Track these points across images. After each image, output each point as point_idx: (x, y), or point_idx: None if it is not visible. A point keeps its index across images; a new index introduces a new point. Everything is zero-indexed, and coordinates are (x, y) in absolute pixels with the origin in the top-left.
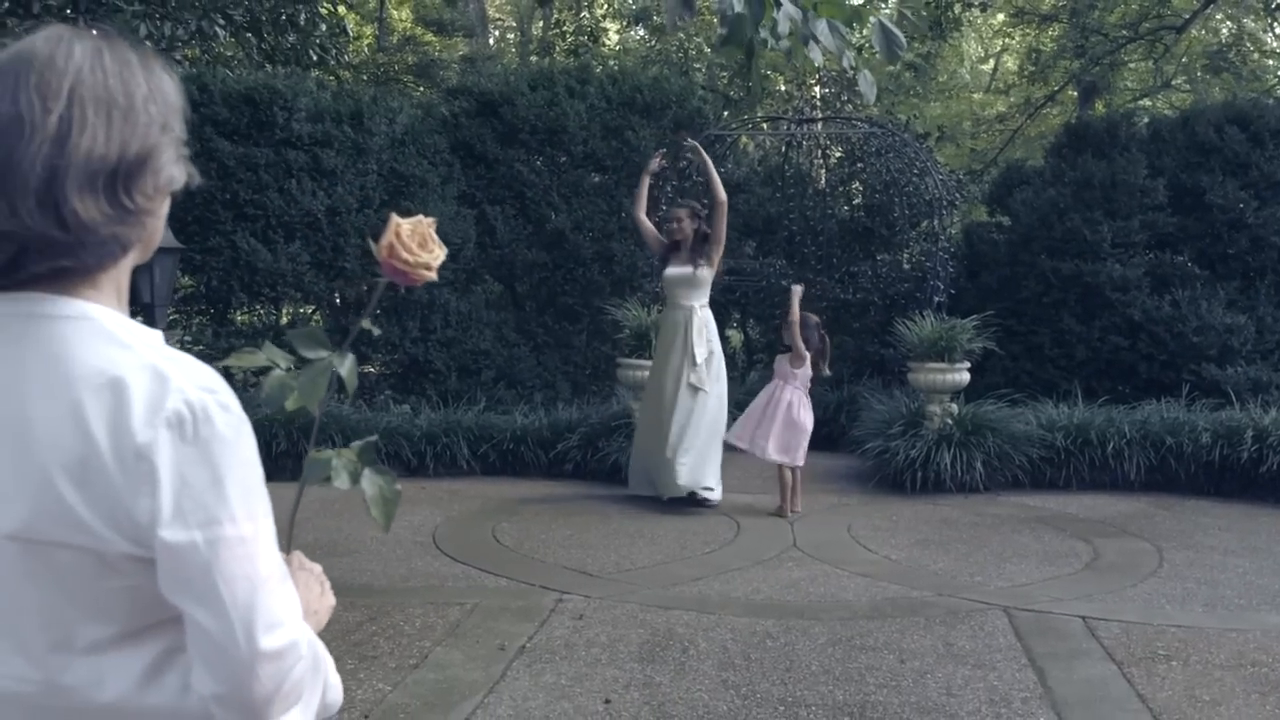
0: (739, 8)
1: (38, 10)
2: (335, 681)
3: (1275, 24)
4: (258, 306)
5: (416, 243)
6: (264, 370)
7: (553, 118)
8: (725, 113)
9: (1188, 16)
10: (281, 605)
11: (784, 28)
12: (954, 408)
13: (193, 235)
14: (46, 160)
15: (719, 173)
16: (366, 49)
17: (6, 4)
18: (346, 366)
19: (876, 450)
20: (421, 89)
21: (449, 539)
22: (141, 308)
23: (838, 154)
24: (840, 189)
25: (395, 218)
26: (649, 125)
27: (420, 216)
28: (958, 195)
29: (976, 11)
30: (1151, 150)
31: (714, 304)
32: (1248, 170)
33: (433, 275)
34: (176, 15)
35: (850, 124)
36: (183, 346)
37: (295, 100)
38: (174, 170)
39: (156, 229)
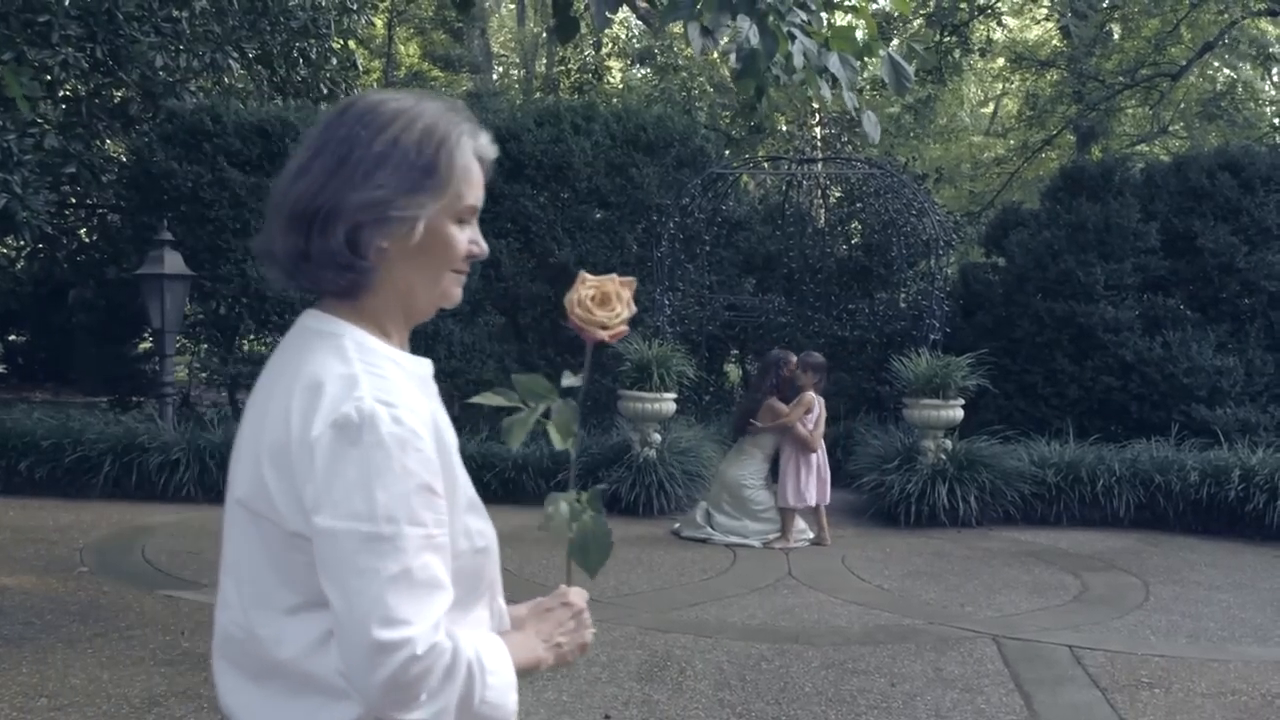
0: (754, 43)
1: (56, 41)
2: (498, 701)
3: (1269, 73)
4: (265, 334)
5: (595, 301)
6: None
7: (558, 154)
8: (727, 151)
9: (1184, 64)
10: (410, 606)
11: (799, 61)
12: (948, 443)
13: (203, 263)
14: (300, 198)
15: (722, 209)
16: (375, 83)
17: (28, 31)
18: (560, 416)
19: (872, 484)
20: None
21: None
22: (152, 333)
23: (837, 194)
24: (839, 228)
25: (583, 274)
26: (652, 163)
27: (614, 275)
28: (954, 236)
29: (976, 57)
30: (1145, 195)
31: (712, 339)
32: (1239, 216)
33: (605, 335)
34: (191, 48)
35: (850, 164)
36: (190, 373)
37: (306, 132)
38: (402, 230)
39: (406, 279)
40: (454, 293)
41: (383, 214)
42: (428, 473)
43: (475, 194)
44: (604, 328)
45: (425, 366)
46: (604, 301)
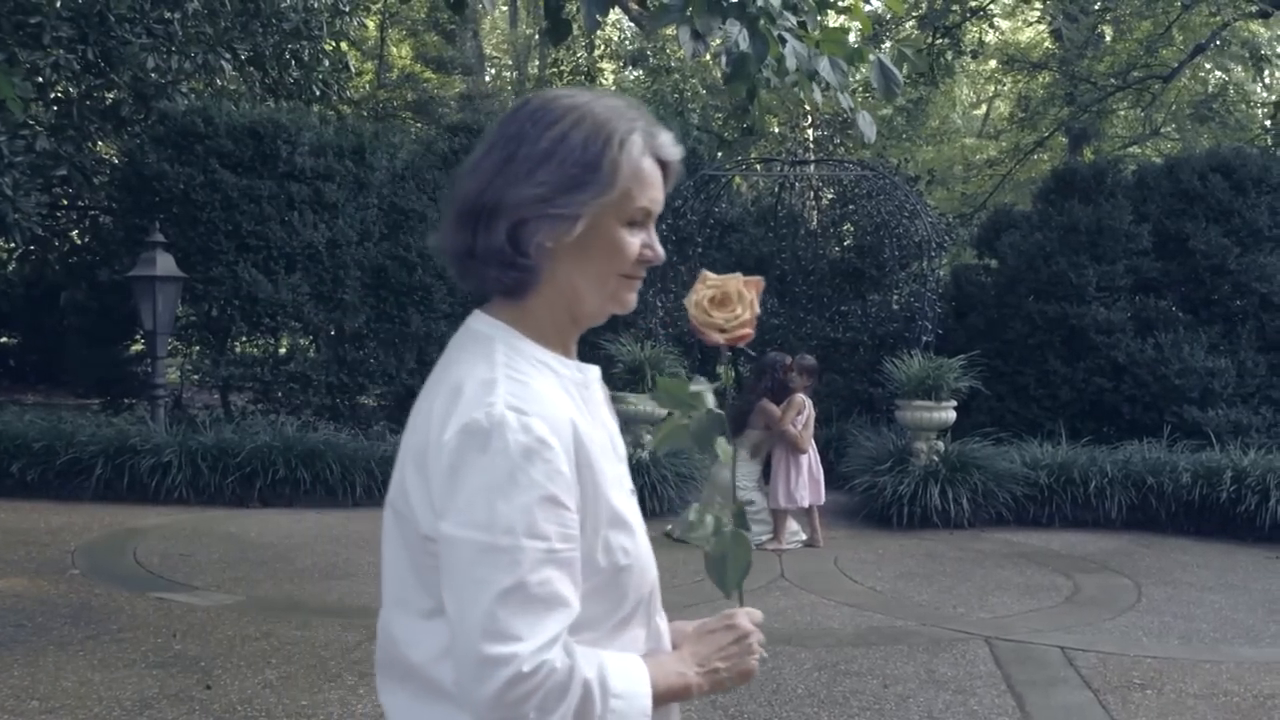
0: (744, 46)
1: (48, 42)
2: None
3: (1261, 75)
4: (257, 336)
5: (714, 302)
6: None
7: None
8: (719, 153)
9: (1175, 66)
10: (521, 621)
11: (791, 64)
12: (940, 445)
13: (195, 265)
14: (468, 195)
15: (715, 211)
16: (367, 85)
17: (19, 33)
18: (700, 428)
19: (864, 486)
20: (419, 125)
21: None
22: (144, 335)
23: (829, 195)
24: (832, 230)
25: (705, 273)
26: None
27: (737, 274)
28: (947, 238)
29: (968, 59)
30: (1137, 197)
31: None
32: (1230, 217)
33: (722, 339)
34: (183, 49)
35: (842, 166)
36: (182, 375)
37: (298, 134)
38: (562, 228)
39: (571, 280)
40: (627, 298)
41: (542, 211)
42: (555, 485)
43: (649, 196)
44: (721, 330)
45: (588, 372)
46: (723, 302)
